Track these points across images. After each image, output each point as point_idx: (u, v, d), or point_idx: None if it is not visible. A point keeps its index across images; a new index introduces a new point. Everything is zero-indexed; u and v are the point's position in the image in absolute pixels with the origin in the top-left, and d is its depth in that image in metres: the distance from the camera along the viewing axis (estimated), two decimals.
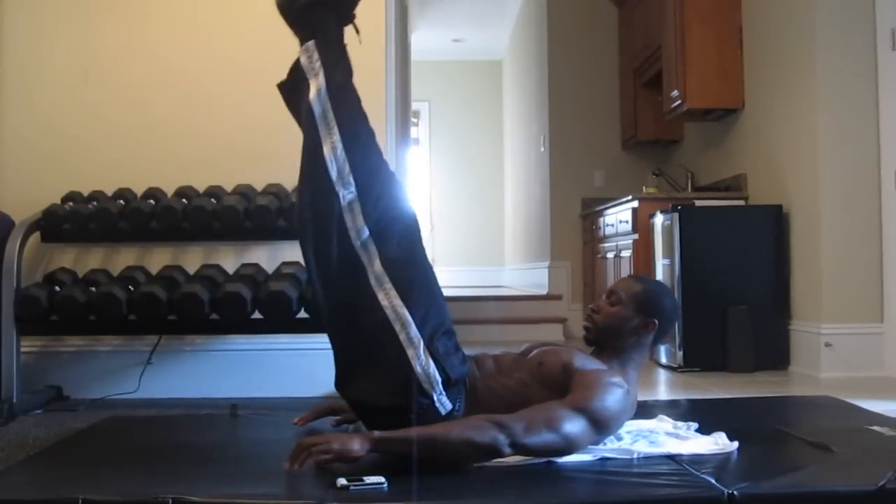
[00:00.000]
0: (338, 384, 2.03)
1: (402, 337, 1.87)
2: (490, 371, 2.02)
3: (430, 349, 1.88)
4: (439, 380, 1.89)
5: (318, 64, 1.94)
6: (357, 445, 1.72)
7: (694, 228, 4.01)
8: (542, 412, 1.81)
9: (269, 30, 3.48)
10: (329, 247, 1.90)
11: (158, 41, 3.51)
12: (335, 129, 1.91)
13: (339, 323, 1.97)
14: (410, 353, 1.87)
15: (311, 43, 1.95)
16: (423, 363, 1.87)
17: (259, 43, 3.50)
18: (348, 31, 2.03)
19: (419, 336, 1.88)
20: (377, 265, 1.89)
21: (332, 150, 1.90)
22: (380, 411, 1.90)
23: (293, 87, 1.99)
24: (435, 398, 1.89)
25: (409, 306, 1.88)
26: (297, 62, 1.98)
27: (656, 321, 2.04)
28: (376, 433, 1.76)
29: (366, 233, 1.89)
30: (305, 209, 1.97)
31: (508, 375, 2.00)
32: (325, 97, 1.92)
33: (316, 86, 1.93)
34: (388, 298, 1.88)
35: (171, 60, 3.50)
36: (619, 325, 2.04)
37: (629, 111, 6.10)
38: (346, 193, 1.89)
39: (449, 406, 1.91)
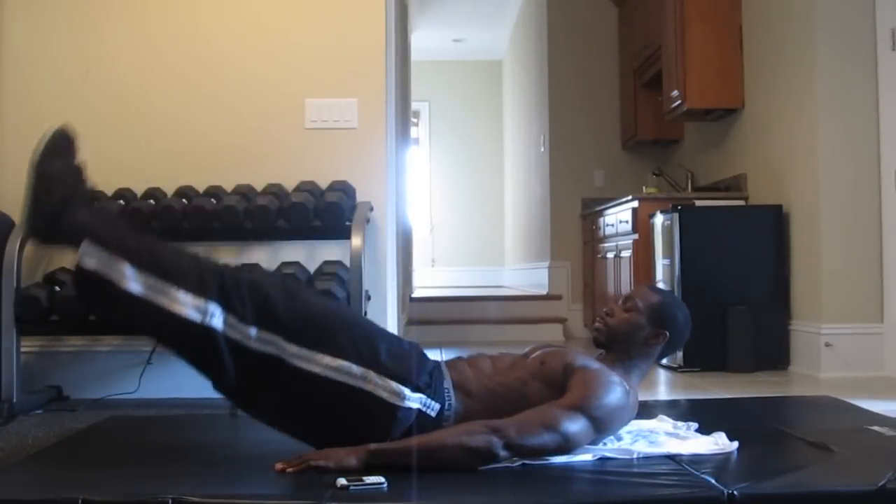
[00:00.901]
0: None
1: (351, 382, 1.83)
2: (487, 371, 2.01)
3: (380, 370, 1.85)
4: (406, 389, 1.86)
5: (105, 256, 1.83)
6: (354, 461, 1.73)
7: (694, 228, 4.02)
8: (537, 413, 1.82)
9: (269, 31, 3.51)
10: (229, 375, 1.84)
11: (158, 41, 3.51)
12: (167, 285, 1.83)
13: (291, 418, 1.91)
14: (368, 387, 1.84)
15: (84, 246, 1.84)
16: (382, 385, 1.84)
17: (259, 43, 3.50)
18: None
19: (363, 369, 1.84)
20: (287, 347, 1.83)
21: (177, 301, 1.82)
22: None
23: (93, 290, 1.86)
24: (416, 405, 1.87)
25: (336, 354, 1.84)
26: (82, 269, 1.85)
27: (667, 333, 2.04)
28: (372, 445, 1.77)
29: (254, 331, 1.83)
30: (199, 365, 1.89)
31: (506, 374, 1.99)
32: (137, 273, 1.82)
33: (121, 273, 1.82)
34: (318, 364, 1.83)
35: (172, 61, 3.50)
36: (631, 331, 2.04)
37: (629, 111, 6.10)
38: (215, 318, 1.82)
39: (436, 406, 1.90)
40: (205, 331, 1.82)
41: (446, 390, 1.94)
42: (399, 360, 1.89)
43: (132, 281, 1.82)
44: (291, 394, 1.83)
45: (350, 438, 1.85)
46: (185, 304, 1.82)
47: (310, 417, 1.87)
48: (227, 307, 1.83)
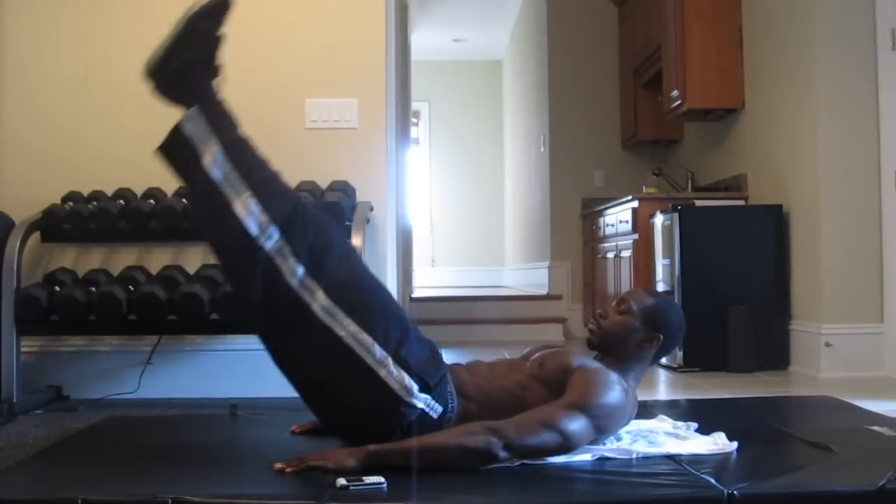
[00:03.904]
0: (322, 424, 2.01)
1: (369, 361, 1.84)
2: (485, 375, 2.01)
3: (399, 361, 1.86)
4: (416, 387, 1.87)
5: (206, 130, 1.88)
6: (353, 462, 1.73)
7: (694, 228, 4.01)
8: (536, 413, 1.81)
9: (269, 31, 3.51)
10: (256, 299, 1.84)
11: (158, 41, 3.51)
12: (243, 187, 1.85)
13: (297, 368, 1.92)
14: (382, 372, 1.84)
15: (194, 109, 1.89)
16: (396, 377, 1.85)
17: (259, 43, 3.50)
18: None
19: (385, 353, 1.85)
20: (322, 298, 1.83)
21: (245, 207, 1.84)
22: (373, 436, 1.88)
23: (178, 151, 1.92)
24: (421, 405, 1.87)
25: (367, 329, 1.84)
26: (179, 129, 1.90)
27: (661, 336, 2.04)
28: (371, 447, 1.76)
29: (300, 270, 1.84)
30: (226, 271, 1.92)
31: (505, 378, 1.99)
32: (223, 160, 1.86)
33: (211, 153, 1.87)
34: (344, 328, 1.83)
35: None
36: (625, 334, 2.04)
37: (629, 111, 6.10)
38: (271, 243, 1.83)
39: (440, 408, 1.90)
40: (254, 247, 1.83)
41: (450, 394, 1.94)
42: (420, 358, 1.89)
43: (215, 166, 1.85)
44: (306, 344, 1.84)
45: (345, 412, 1.88)
46: (250, 214, 1.84)
47: (314, 373, 1.87)
48: (288, 237, 1.84)
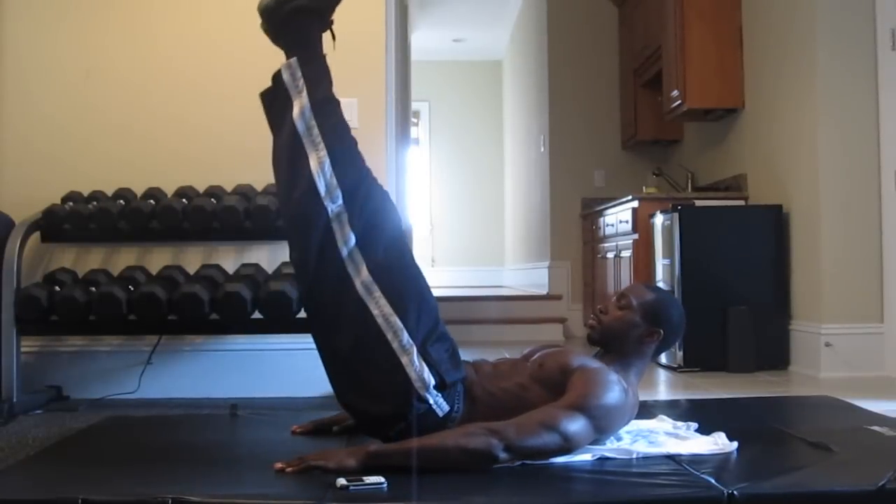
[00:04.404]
0: (335, 392, 2.02)
1: (394, 345, 1.86)
2: (489, 375, 2.02)
3: (423, 354, 1.88)
4: (433, 382, 1.88)
5: (301, 82, 1.93)
6: (353, 462, 1.73)
7: (694, 228, 4.01)
8: (536, 414, 1.81)
9: None
10: (309, 258, 1.89)
11: (159, 41, 3.52)
12: (321, 145, 1.90)
13: (327, 334, 1.94)
14: (404, 360, 1.86)
15: (293, 60, 1.95)
16: (417, 368, 1.87)
17: (260, 42, 3.49)
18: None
19: (412, 342, 1.87)
20: (365, 273, 1.87)
21: (319, 164, 1.89)
22: (377, 419, 1.90)
23: (274, 98, 1.97)
24: (431, 401, 1.89)
25: (399, 314, 1.87)
26: (279, 75, 1.96)
27: (661, 331, 2.03)
28: (372, 447, 1.77)
29: (353, 241, 1.88)
30: (288, 222, 1.97)
31: (507, 379, 1.99)
32: (309, 115, 1.91)
33: (300, 104, 1.91)
34: (379, 307, 1.86)
35: (172, 60, 3.50)
36: (625, 329, 2.03)
37: (629, 111, 6.10)
38: (334, 206, 1.88)
39: (447, 407, 1.91)
40: (319, 206, 1.87)
41: (458, 395, 1.95)
42: (442, 358, 1.92)
43: (301, 118, 1.91)
44: (339, 314, 1.87)
45: (358, 388, 1.90)
46: (322, 173, 1.89)
47: (340, 344, 1.89)
48: (349, 205, 1.89)
